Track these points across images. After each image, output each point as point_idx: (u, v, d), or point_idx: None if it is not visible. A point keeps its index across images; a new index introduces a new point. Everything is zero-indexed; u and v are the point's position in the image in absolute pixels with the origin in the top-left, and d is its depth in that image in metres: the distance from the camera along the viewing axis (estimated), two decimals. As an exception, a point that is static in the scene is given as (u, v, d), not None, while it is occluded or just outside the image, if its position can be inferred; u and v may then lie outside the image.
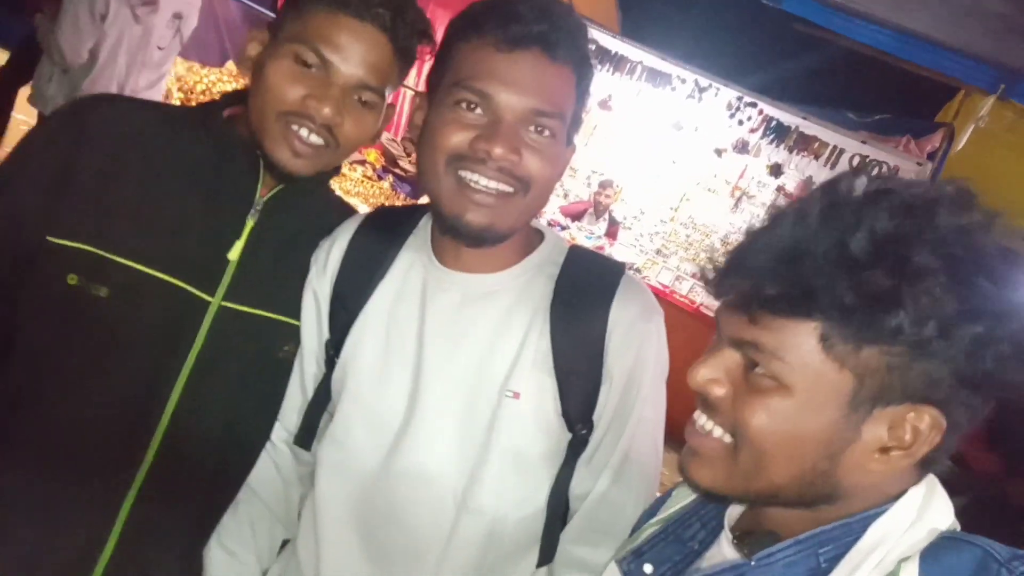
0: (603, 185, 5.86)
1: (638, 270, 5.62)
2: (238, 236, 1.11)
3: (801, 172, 5.44)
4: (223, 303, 1.10)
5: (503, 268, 1.07)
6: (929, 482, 0.72)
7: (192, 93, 4.89)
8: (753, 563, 0.72)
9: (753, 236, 0.72)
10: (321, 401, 1.15)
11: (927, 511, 0.69)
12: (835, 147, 5.20)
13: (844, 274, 0.64)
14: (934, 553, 0.65)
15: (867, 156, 5.09)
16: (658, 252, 5.94)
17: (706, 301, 5.43)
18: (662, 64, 5.69)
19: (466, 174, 0.96)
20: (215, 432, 1.13)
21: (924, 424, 0.66)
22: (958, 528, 0.71)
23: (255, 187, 1.12)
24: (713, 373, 0.73)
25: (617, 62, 5.81)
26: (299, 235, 1.18)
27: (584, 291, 1.05)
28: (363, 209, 4.35)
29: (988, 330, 0.64)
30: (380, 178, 5.42)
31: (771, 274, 0.68)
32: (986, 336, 0.64)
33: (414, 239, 1.13)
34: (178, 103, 4.68)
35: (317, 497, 1.12)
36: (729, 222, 5.80)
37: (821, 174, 5.36)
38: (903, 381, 0.65)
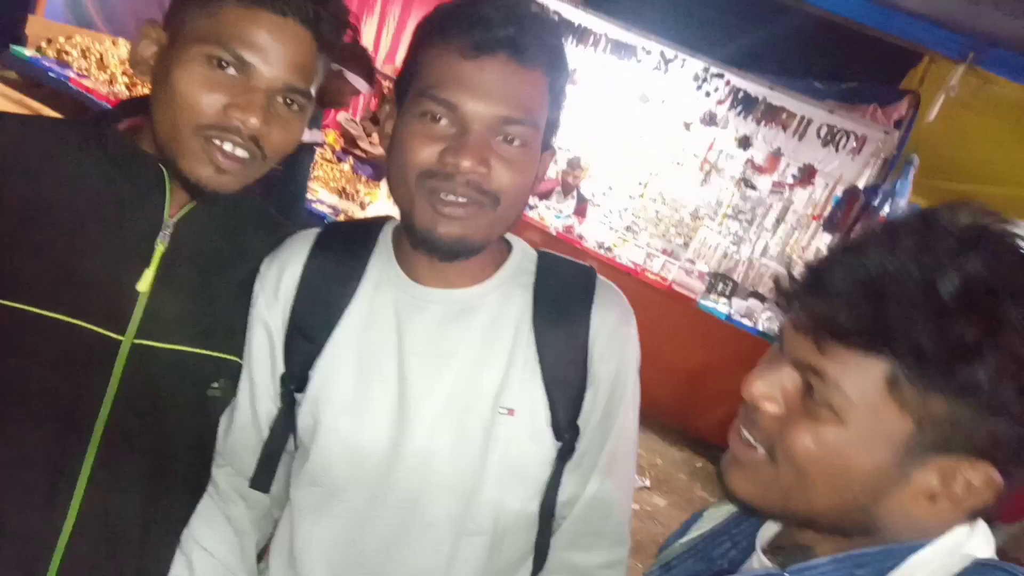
0: (571, 165, 5.76)
1: (609, 249, 5.54)
2: (147, 264, 0.98)
3: (769, 144, 5.41)
4: (136, 341, 0.97)
5: (480, 281, 1.02)
6: (976, 521, 0.70)
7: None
8: (786, 574, 0.71)
9: (835, 256, 0.68)
10: (279, 440, 1.06)
11: (967, 543, 0.68)
12: (803, 117, 5.18)
13: (926, 316, 0.61)
14: None
15: (835, 126, 5.07)
16: (628, 229, 5.88)
17: (677, 278, 5.39)
18: (626, 35, 5.58)
19: (437, 190, 0.92)
20: (142, 485, 1.01)
21: (978, 480, 0.64)
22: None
23: (162, 206, 0.99)
24: (769, 389, 0.71)
25: (581, 34, 5.68)
26: (222, 256, 1.05)
27: (563, 299, 1.03)
28: (324, 194, 4.11)
29: None
30: (340, 160, 5.23)
31: (849, 303, 0.64)
32: None
33: (377, 257, 1.05)
34: (123, 87, 4.43)
35: (298, 544, 1.04)
36: (699, 196, 5.77)
37: (789, 145, 5.34)
38: (967, 436, 0.63)
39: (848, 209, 4.90)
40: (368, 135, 5.83)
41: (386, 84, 5.99)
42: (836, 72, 5.45)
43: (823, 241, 5.28)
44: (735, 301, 5.40)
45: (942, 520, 0.68)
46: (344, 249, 1.05)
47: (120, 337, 0.96)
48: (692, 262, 5.73)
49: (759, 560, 0.78)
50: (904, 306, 0.61)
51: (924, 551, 0.67)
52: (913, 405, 0.63)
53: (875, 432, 0.65)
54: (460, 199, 0.90)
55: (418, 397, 0.99)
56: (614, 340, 1.03)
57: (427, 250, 0.95)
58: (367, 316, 1.01)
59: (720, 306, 5.28)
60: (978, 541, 0.69)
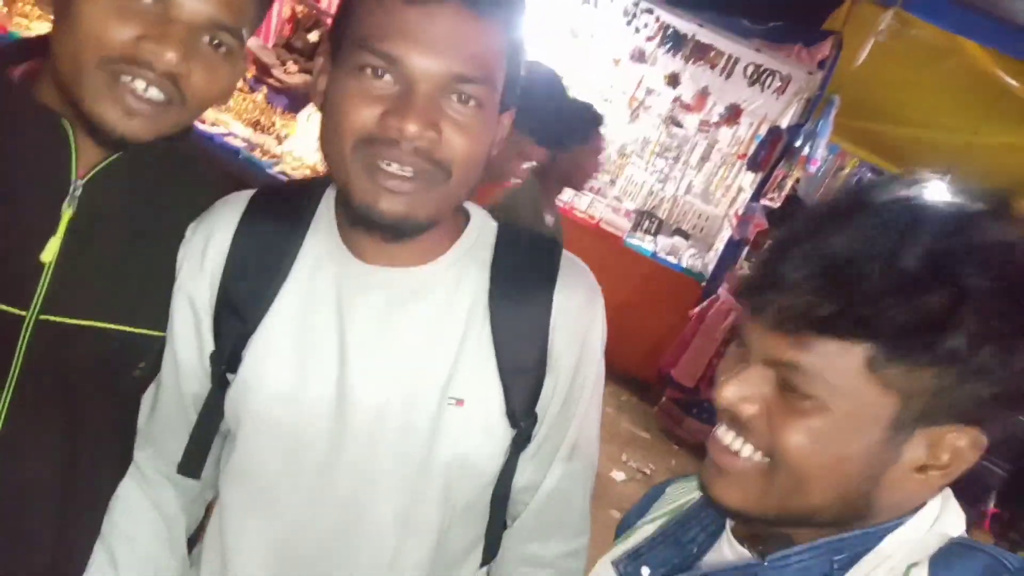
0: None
1: (537, 186, 5.46)
2: (52, 231, 0.86)
3: (697, 82, 5.40)
4: (42, 317, 0.86)
5: (432, 259, 0.91)
6: (944, 493, 0.72)
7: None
8: (766, 563, 0.71)
9: (786, 246, 0.67)
10: (211, 424, 0.96)
11: (940, 520, 0.70)
12: (730, 56, 5.17)
13: (897, 294, 0.61)
14: (944, 559, 0.66)
15: (761, 65, 5.09)
16: (555, 166, 5.81)
17: (605, 216, 5.39)
18: (556, -35, 5.38)
19: (378, 160, 0.80)
20: (56, 475, 0.91)
21: (963, 443, 0.65)
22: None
23: (68, 165, 0.86)
24: (744, 391, 0.69)
25: (508, -38, 5.46)
26: (143, 219, 0.93)
27: (523, 278, 0.93)
28: (237, 127, 3.81)
29: None
30: (252, 90, 4.88)
31: (819, 293, 0.63)
32: None
33: (316, 227, 0.93)
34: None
35: (228, 545, 0.95)
36: (626, 134, 5.74)
37: (716, 83, 5.34)
38: (949, 402, 0.64)
39: (771, 148, 4.96)
40: (283, 63, 5.48)
41: (299, 8, 5.61)
42: (763, 10, 5.45)
43: (746, 180, 5.37)
44: (660, 238, 5.46)
45: (932, 491, 0.69)
46: (280, 216, 0.92)
47: (23, 312, 0.85)
48: (619, 200, 5.75)
49: (729, 543, 0.77)
50: (874, 287, 0.61)
51: (899, 531, 0.68)
52: (896, 382, 0.63)
53: (862, 415, 0.65)
54: (406, 170, 0.79)
55: (360, 387, 0.89)
56: (578, 322, 0.94)
57: (367, 228, 0.84)
58: (306, 294, 0.90)
59: (646, 243, 5.33)
60: (950, 518, 0.70)
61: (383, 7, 0.77)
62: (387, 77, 0.78)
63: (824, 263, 0.64)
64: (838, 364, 0.63)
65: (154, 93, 0.81)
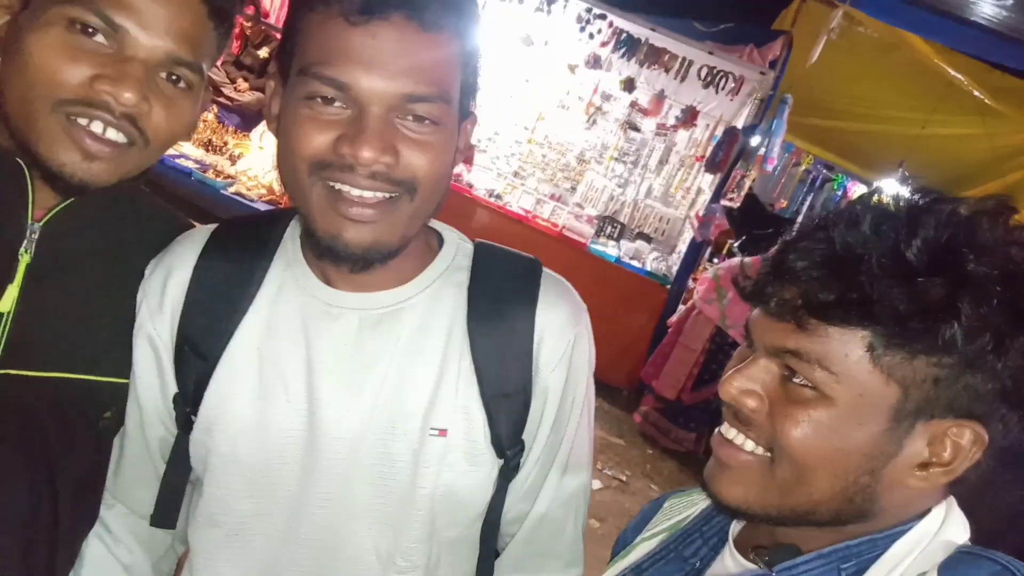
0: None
1: (499, 196, 5.44)
2: (9, 279, 0.83)
3: (652, 86, 5.43)
4: (1, 372, 0.82)
5: (404, 281, 0.88)
6: (948, 501, 0.72)
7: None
8: (773, 574, 0.71)
9: (792, 244, 0.69)
10: (181, 467, 0.92)
11: (945, 528, 0.70)
12: (684, 59, 5.20)
13: (898, 281, 0.62)
14: (952, 567, 0.65)
15: (715, 67, 5.14)
16: (515, 175, 5.79)
17: (567, 223, 5.38)
18: (507, -26, 5.37)
19: (335, 184, 0.77)
20: (20, 537, 0.86)
21: (965, 439, 0.66)
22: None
23: (23, 209, 0.83)
24: (747, 384, 0.70)
25: (459, -28, 5.42)
26: (103, 264, 0.89)
27: (503, 299, 0.90)
28: (188, 148, 3.70)
29: None
30: (203, 109, 4.80)
31: (823, 280, 0.65)
32: None
33: (281, 256, 0.89)
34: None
35: None
36: (584, 139, 5.75)
37: (671, 86, 5.38)
38: (949, 394, 0.64)
39: (728, 149, 5.01)
40: (232, 81, 5.36)
41: (248, 25, 5.51)
42: (713, 13, 5.51)
43: (705, 181, 5.41)
44: (623, 243, 5.47)
45: (935, 490, 0.69)
46: (241, 249, 0.89)
47: None
48: (580, 206, 5.74)
49: (732, 555, 0.77)
50: (876, 274, 0.63)
51: (905, 538, 0.68)
52: (897, 370, 0.64)
53: (863, 404, 0.65)
54: (366, 194, 0.76)
55: (332, 419, 0.85)
56: (563, 343, 0.91)
57: (334, 260, 0.81)
58: (267, 325, 0.86)
59: (609, 249, 5.34)
60: (955, 527, 0.70)
61: (325, 30, 0.74)
62: (337, 103, 0.75)
63: (827, 254, 0.65)
64: (840, 350, 0.64)
65: (113, 134, 0.79)
